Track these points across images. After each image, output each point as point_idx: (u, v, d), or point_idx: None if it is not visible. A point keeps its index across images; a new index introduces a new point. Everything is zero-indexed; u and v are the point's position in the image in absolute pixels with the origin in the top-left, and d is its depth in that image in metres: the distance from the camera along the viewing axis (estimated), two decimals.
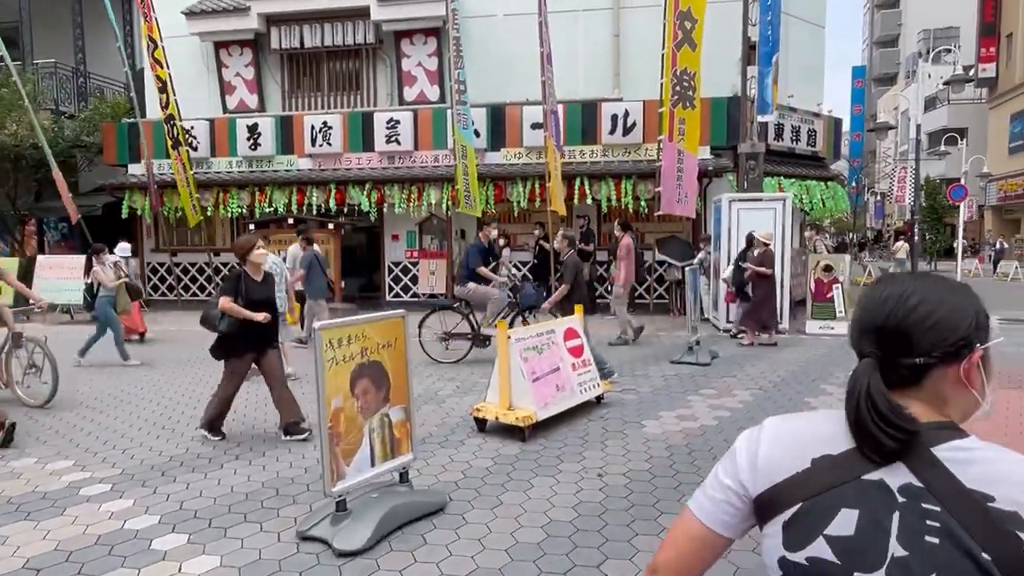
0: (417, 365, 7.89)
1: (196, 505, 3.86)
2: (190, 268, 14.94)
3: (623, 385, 6.73)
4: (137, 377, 7.44)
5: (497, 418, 5.07)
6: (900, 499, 0.86)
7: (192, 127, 13.74)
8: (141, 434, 5.28)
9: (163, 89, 12.45)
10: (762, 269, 9.03)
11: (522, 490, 4.05)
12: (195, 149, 13.73)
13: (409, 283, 14.13)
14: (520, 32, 12.72)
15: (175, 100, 12.63)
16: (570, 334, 5.80)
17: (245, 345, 4.96)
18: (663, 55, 9.59)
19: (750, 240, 9.42)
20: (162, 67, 12.35)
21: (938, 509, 0.84)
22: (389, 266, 14.27)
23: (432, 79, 13.85)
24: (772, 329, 9.12)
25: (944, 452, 0.87)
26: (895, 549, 0.84)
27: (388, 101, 14.23)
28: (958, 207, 14.34)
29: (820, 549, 0.88)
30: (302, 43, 14.08)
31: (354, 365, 3.52)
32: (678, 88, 9.13)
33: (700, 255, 11.19)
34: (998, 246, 24.08)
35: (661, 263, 12.65)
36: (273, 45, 14.17)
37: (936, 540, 0.82)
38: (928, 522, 0.83)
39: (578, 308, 6.19)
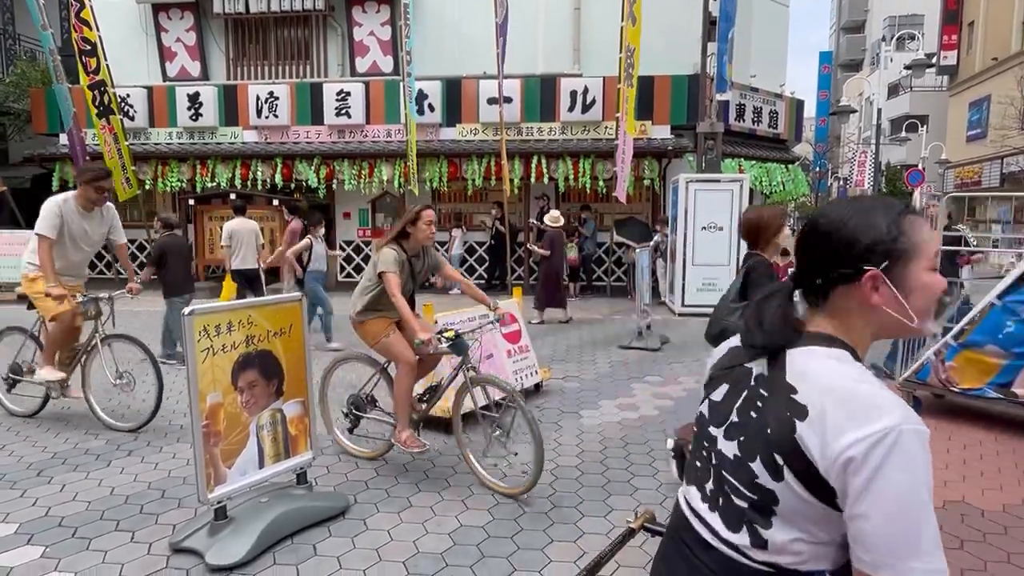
0: (347, 349, 7.49)
1: (65, 511, 3.42)
2: (128, 245, 14.13)
3: (566, 372, 6.43)
4: None
5: None
6: (752, 383, 1.06)
7: (128, 95, 12.93)
8: (30, 427, 4.79)
9: (91, 52, 11.58)
10: (542, 251, 9.07)
11: (437, 490, 3.71)
12: (131, 118, 12.92)
13: (362, 263, 13.62)
14: (478, 3, 12.19)
15: (107, 65, 11.77)
16: (507, 319, 5.45)
17: None
18: (621, 28, 9.24)
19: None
20: (90, 28, 11.47)
21: (766, 394, 1.03)
22: (341, 245, 13.73)
23: (385, 49, 13.24)
24: (562, 306, 9.17)
25: (795, 354, 1.02)
26: (733, 416, 1.08)
27: (339, 72, 13.58)
28: (914, 192, 14.36)
29: (705, 406, 1.16)
30: (247, 8, 13.31)
31: (237, 355, 3.11)
32: (625, 65, 8.92)
33: (657, 237, 10.94)
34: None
35: (620, 245, 12.39)
36: (216, 9, 13.36)
37: (754, 415, 1.03)
38: (756, 402, 1.04)
39: (516, 291, 5.84)
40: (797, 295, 1.08)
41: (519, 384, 5.32)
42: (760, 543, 1.00)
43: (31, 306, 4.69)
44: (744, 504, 1.02)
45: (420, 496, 3.63)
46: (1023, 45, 23.25)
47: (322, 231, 7.96)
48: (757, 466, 0.99)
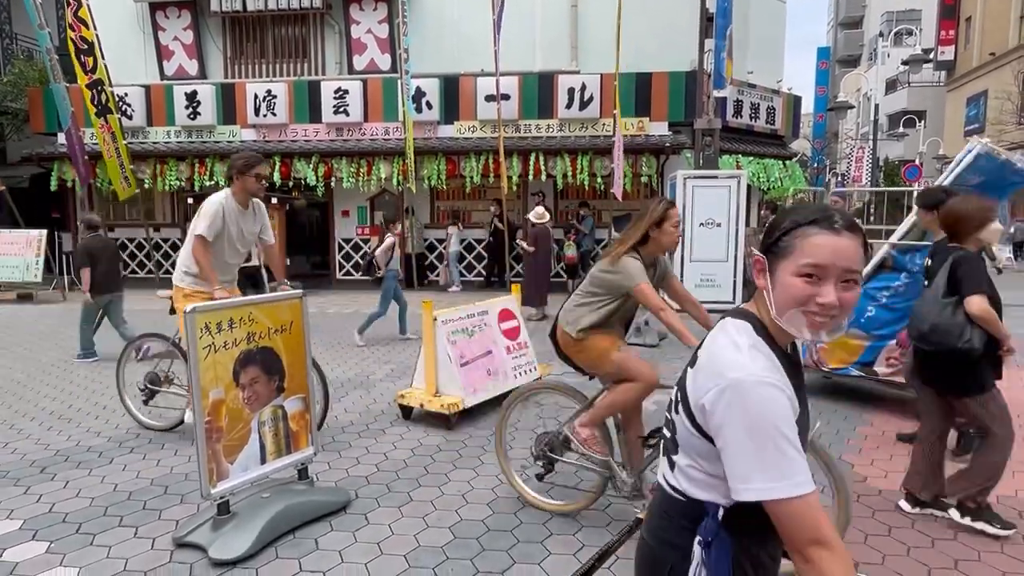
0: (348, 346, 7.53)
1: (69, 507, 3.45)
2: (128, 244, 14.17)
3: (565, 368, 6.45)
4: (46, 360, 6.90)
5: (422, 405, 4.75)
6: (699, 347, 1.26)
7: (126, 94, 12.93)
8: (32, 424, 4.82)
9: (88, 51, 11.58)
10: (527, 246, 9.10)
11: (437, 485, 3.74)
12: (130, 118, 12.92)
13: (360, 261, 13.62)
14: (476, 0, 12.19)
15: (104, 64, 11.76)
16: (505, 315, 5.48)
17: None
18: (617, 25, 9.25)
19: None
20: (87, 27, 11.47)
21: (695, 350, 1.26)
22: (340, 243, 13.75)
23: (383, 47, 13.24)
24: (538, 306, 9.13)
25: (719, 322, 1.25)
26: (684, 372, 1.26)
27: (336, 70, 13.58)
28: (912, 188, 14.40)
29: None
30: (244, 6, 13.30)
31: (239, 352, 3.14)
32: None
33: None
34: None
35: None
36: (213, 7, 13.35)
37: (687, 368, 1.24)
38: (690, 356, 1.27)
39: (515, 287, 5.87)
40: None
41: (518, 380, 5.36)
42: (671, 465, 1.25)
43: (174, 311, 4.33)
44: (668, 434, 1.28)
45: (420, 491, 3.66)
46: (1021, 40, 23.27)
47: (398, 229, 8.14)
48: (672, 400, 1.26)
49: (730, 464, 1.08)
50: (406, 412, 4.92)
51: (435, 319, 4.79)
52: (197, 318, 2.93)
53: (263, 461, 3.27)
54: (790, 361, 1.21)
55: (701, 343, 1.25)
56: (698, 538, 1.18)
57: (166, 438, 4.52)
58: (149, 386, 4.73)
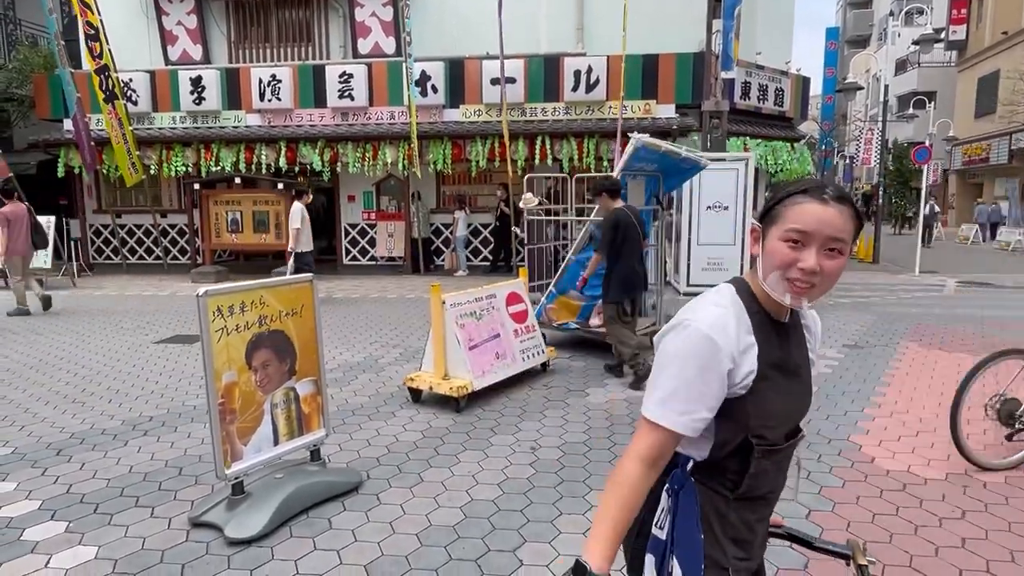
0: (357, 331, 7.57)
1: (86, 488, 3.51)
2: (136, 230, 14.23)
3: (572, 351, 6.49)
4: (58, 345, 6.97)
5: (431, 388, 4.79)
6: None
7: (131, 79, 12.89)
8: (47, 408, 4.88)
9: (95, 37, 11.56)
10: (521, 232, 8.97)
11: (447, 466, 3.78)
12: (135, 103, 12.90)
13: (367, 246, 13.66)
14: None
15: (109, 49, 11.75)
16: (513, 299, 5.50)
17: None
18: (624, 6, 9.15)
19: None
20: (92, 12, 11.45)
21: None
22: (346, 228, 13.76)
23: (388, 30, 13.14)
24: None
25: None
26: None
27: (341, 54, 13.50)
28: (923, 170, 14.26)
29: None
30: None
31: (251, 335, 3.16)
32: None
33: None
34: (928, 210, 22.18)
35: None
36: None
37: None
38: None
39: (523, 271, 5.87)
40: None
41: (525, 363, 5.39)
42: None
43: None
44: None
45: (431, 472, 3.70)
46: None
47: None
48: None
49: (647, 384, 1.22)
50: (415, 395, 4.96)
51: (444, 302, 4.80)
52: (209, 301, 2.96)
53: (276, 443, 3.31)
54: (779, 331, 1.25)
55: None
56: (666, 486, 1.24)
57: (180, 421, 4.58)
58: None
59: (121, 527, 3.10)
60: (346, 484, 3.45)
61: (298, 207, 8.93)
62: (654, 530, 1.25)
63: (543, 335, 5.81)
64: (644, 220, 5.60)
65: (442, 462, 3.84)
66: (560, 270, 6.75)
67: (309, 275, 3.48)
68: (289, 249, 8.94)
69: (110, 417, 4.67)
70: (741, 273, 7.17)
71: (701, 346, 1.15)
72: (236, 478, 3.10)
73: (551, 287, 6.70)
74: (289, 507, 3.15)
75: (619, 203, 5.37)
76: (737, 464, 1.19)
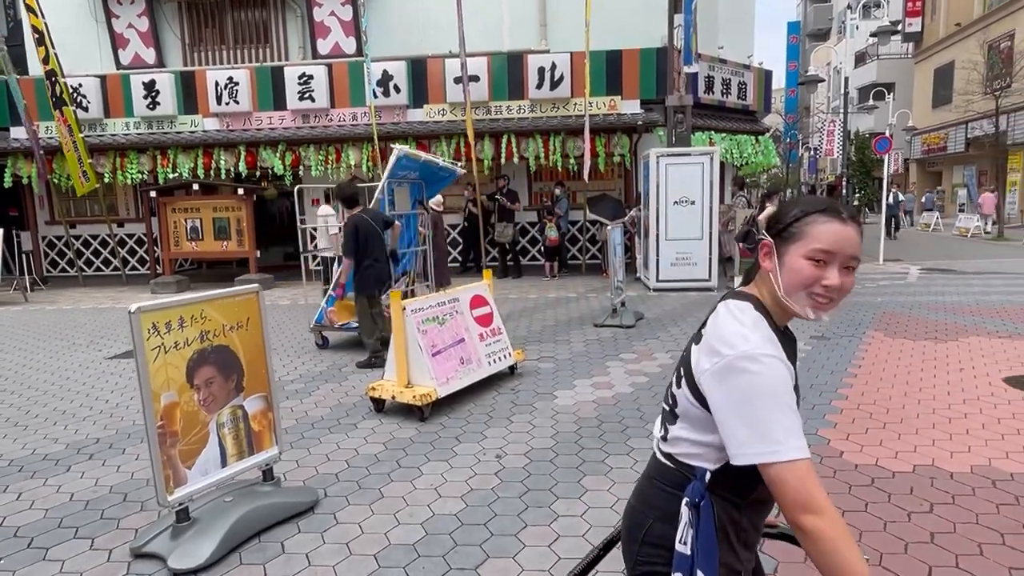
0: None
1: (21, 520, 3.29)
2: (91, 241, 13.74)
3: (541, 352, 6.39)
4: (3, 364, 6.63)
5: (394, 397, 4.63)
6: (703, 326, 1.30)
7: (80, 84, 12.44)
8: None
9: (40, 41, 11.12)
10: (422, 229, 8.73)
11: (410, 479, 3.64)
12: (85, 109, 12.46)
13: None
14: None
15: (55, 54, 11.31)
16: (477, 301, 5.37)
17: None
18: (586, 1, 9.08)
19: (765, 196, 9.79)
20: (36, 15, 11.00)
21: (697, 329, 1.32)
22: (311, 233, 13.44)
23: (348, 30, 12.89)
24: (444, 287, 8.86)
25: (720, 303, 1.30)
26: (688, 349, 1.31)
27: (300, 55, 13.20)
28: (884, 160, 14.48)
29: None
30: None
31: (192, 352, 2.98)
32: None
33: (632, 212, 10.90)
34: (892, 199, 22.56)
35: (593, 222, 12.34)
36: None
37: (691, 345, 1.30)
38: (694, 334, 1.33)
39: (486, 273, 5.75)
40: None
41: (492, 367, 5.27)
42: (665, 436, 1.34)
43: None
44: (666, 408, 1.36)
45: (392, 487, 3.56)
46: (985, 10, 23.49)
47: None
48: (675, 376, 1.33)
49: (730, 430, 1.14)
50: (378, 405, 4.80)
51: (404, 308, 4.66)
52: (143, 318, 2.77)
53: (224, 464, 3.14)
54: (786, 338, 1.31)
55: (704, 323, 1.30)
56: (686, 499, 1.26)
57: (128, 442, 4.35)
58: None
59: (56, 562, 2.90)
60: (301, 504, 3.29)
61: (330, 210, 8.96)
62: (678, 547, 1.27)
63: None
64: (386, 221, 6.22)
65: (404, 475, 3.70)
66: (337, 275, 6.96)
67: (255, 286, 3.30)
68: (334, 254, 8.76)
69: (54, 441, 4.43)
70: (709, 266, 7.20)
71: (780, 370, 1.15)
72: (180, 504, 2.92)
73: (330, 291, 6.97)
74: (239, 532, 2.99)
75: (357, 209, 6.02)
76: (751, 469, 1.18)
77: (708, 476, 1.25)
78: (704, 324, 1.29)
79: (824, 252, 1.19)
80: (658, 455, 1.37)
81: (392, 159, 6.50)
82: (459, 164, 7.98)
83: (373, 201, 6.74)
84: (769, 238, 1.26)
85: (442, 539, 3.00)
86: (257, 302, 3.29)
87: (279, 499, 3.25)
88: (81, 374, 6.18)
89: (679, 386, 1.29)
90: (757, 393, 1.12)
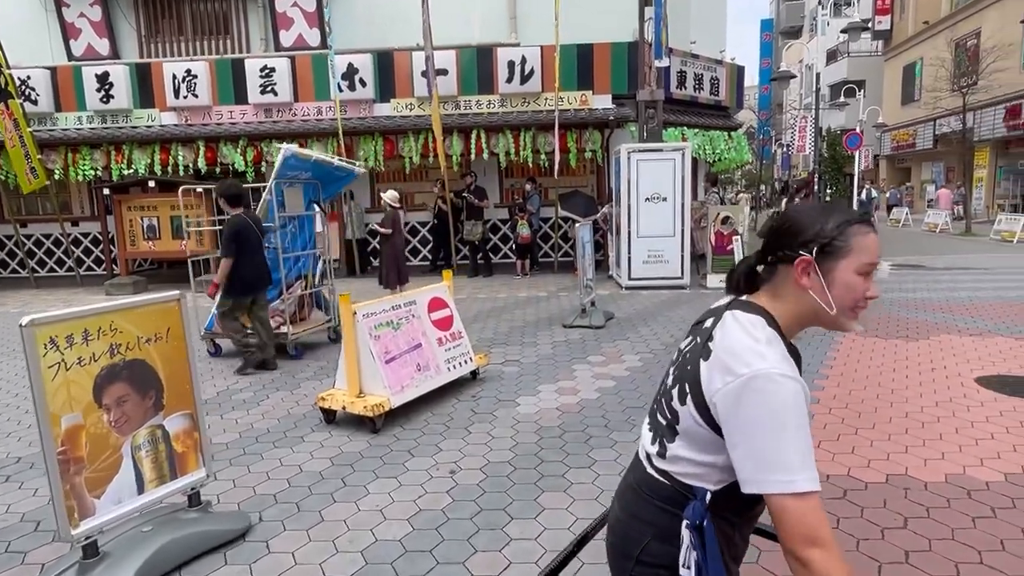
0: None
1: None
2: (44, 240, 13.14)
3: (506, 355, 6.15)
4: None
5: (345, 408, 4.35)
6: (701, 334, 1.26)
7: (28, 76, 11.85)
8: None
9: None
10: (383, 229, 8.69)
11: (354, 500, 3.37)
12: (34, 103, 11.88)
13: None
14: None
15: None
16: (436, 304, 5.11)
17: None
18: None
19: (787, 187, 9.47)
20: None
21: (701, 340, 1.24)
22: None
23: (311, 22, 12.47)
24: (395, 287, 8.61)
25: (729, 314, 1.24)
26: (681, 354, 1.31)
27: (262, 47, 12.76)
28: (855, 156, 14.50)
29: (676, 353, 1.35)
30: None
31: (99, 368, 2.68)
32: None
33: (604, 209, 10.71)
34: (865, 195, 22.98)
35: (565, 219, 12.12)
36: None
37: (689, 355, 1.25)
38: (696, 346, 1.25)
39: (446, 273, 5.48)
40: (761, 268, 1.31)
41: (452, 373, 5.01)
42: (662, 453, 1.26)
43: None
44: (663, 421, 1.28)
45: (334, 508, 3.29)
46: (952, 8, 23.77)
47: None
48: (676, 391, 1.24)
49: (742, 455, 1.10)
50: (329, 416, 4.52)
51: (355, 313, 4.37)
52: (36, 332, 2.46)
53: (140, 491, 2.84)
54: (795, 354, 1.26)
55: (710, 335, 1.21)
56: (686, 521, 1.21)
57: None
58: None
59: None
60: (231, 531, 3.00)
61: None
62: (681, 571, 1.22)
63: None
64: (264, 225, 6.07)
65: (348, 495, 3.43)
66: (218, 276, 6.70)
67: (175, 293, 3.00)
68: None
69: None
70: (682, 264, 7.02)
71: (797, 392, 1.09)
72: (87, 538, 2.62)
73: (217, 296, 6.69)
74: (156, 566, 2.70)
75: (239, 209, 5.79)
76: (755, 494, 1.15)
77: (708, 497, 1.21)
78: (710, 337, 1.21)
79: (873, 265, 1.19)
80: (649, 470, 1.30)
81: (279, 159, 6.13)
82: (357, 164, 7.52)
83: (260, 203, 6.36)
84: (808, 255, 1.18)
85: (383, 569, 2.74)
86: (179, 311, 2.99)
87: (205, 527, 2.96)
88: (15, 385, 5.78)
89: (683, 403, 1.21)
90: (773, 417, 1.07)
